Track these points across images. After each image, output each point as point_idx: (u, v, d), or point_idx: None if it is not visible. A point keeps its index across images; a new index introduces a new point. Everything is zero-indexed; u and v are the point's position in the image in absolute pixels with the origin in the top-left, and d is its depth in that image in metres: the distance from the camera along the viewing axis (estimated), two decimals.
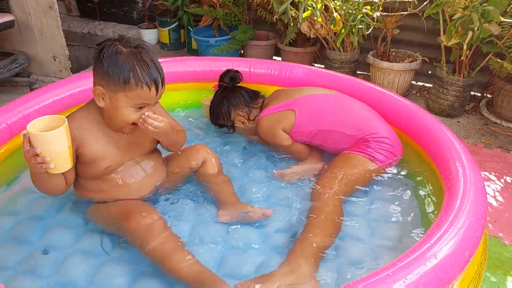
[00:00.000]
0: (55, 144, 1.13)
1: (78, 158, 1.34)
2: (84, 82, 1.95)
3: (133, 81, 1.22)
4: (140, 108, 1.29)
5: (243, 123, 1.92)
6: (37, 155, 1.12)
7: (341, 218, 1.49)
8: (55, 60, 3.22)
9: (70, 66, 3.25)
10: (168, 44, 3.99)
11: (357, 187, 1.64)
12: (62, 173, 1.25)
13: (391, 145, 1.72)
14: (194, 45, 3.78)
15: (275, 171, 1.78)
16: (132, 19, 4.45)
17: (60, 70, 3.25)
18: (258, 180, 1.76)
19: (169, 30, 3.90)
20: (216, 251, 1.39)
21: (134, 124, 1.32)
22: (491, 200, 2.02)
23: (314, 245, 1.36)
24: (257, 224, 1.51)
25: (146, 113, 1.29)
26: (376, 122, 1.77)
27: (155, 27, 4.09)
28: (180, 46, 4.05)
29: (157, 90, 1.27)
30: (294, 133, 1.82)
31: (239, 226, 1.49)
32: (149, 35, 4.11)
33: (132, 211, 1.32)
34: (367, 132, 1.72)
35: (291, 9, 2.83)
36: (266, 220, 1.51)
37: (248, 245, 1.43)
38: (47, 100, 1.84)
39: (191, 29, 3.70)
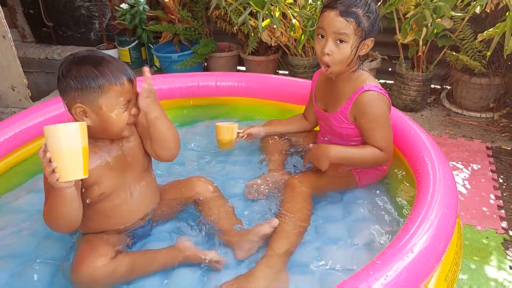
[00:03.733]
0: (68, 140, 1.05)
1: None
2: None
3: (106, 81, 1.20)
4: (125, 105, 1.25)
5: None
6: (46, 152, 1.05)
7: (309, 212, 1.52)
8: (13, 90, 3.12)
9: (30, 94, 3.15)
10: (130, 63, 3.94)
11: (332, 191, 1.67)
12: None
13: (384, 171, 1.73)
14: (157, 62, 3.75)
15: (247, 185, 1.75)
16: (90, 41, 4.37)
17: (20, 100, 3.16)
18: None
19: (129, 49, 3.85)
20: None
21: (129, 124, 1.29)
22: (461, 188, 2.09)
23: (287, 239, 1.41)
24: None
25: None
26: None
27: (114, 47, 4.03)
28: (142, 64, 4.00)
29: (130, 81, 1.25)
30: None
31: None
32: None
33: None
34: None
35: (250, 19, 2.85)
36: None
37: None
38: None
39: (152, 46, 3.67)
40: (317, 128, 1.88)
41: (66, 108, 1.25)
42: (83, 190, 1.29)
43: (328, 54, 1.45)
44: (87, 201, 1.31)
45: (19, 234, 1.54)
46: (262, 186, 1.71)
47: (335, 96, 1.61)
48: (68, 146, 1.05)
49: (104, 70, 1.20)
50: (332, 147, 1.55)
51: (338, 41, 1.44)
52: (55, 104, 1.94)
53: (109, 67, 1.21)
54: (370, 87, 1.50)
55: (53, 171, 1.05)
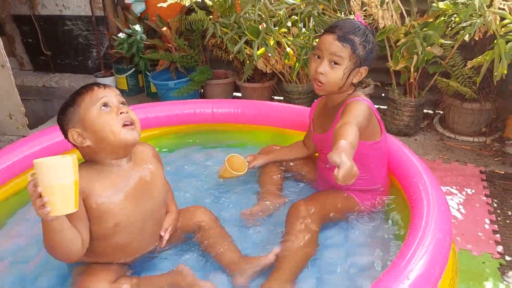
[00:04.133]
0: (58, 175, 1.04)
1: (91, 214, 1.25)
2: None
3: (76, 95, 1.28)
4: (105, 106, 1.27)
5: None
6: (37, 187, 1.04)
7: (316, 245, 1.51)
8: (11, 118, 3.14)
9: (28, 122, 3.18)
10: (127, 90, 3.99)
11: (335, 217, 1.67)
12: (77, 228, 1.19)
13: (382, 193, 1.75)
14: (154, 89, 3.80)
15: (243, 212, 1.74)
16: (87, 69, 4.43)
17: (18, 128, 3.17)
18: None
19: (126, 76, 3.91)
20: None
21: (131, 124, 1.29)
22: (455, 213, 2.10)
23: (291, 269, 1.41)
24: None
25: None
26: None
27: (112, 74, 4.08)
28: (139, 91, 4.05)
29: (103, 86, 1.31)
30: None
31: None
32: (106, 83, 4.09)
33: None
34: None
35: (245, 48, 2.92)
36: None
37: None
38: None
39: (149, 74, 3.72)
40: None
41: (69, 143, 1.31)
42: (94, 222, 1.26)
43: (322, 73, 1.52)
44: (99, 232, 1.28)
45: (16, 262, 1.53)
46: (258, 213, 1.72)
47: (330, 116, 1.66)
48: (61, 182, 1.05)
49: (77, 90, 1.31)
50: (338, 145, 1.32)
51: (333, 63, 1.52)
52: (53, 133, 1.96)
53: (81, 86, 1.32)
54: (359, 98, 1.55)
55: (43, 205, 1.04)
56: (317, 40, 2.75)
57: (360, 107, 1.50)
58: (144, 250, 1.43)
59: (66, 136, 1.30)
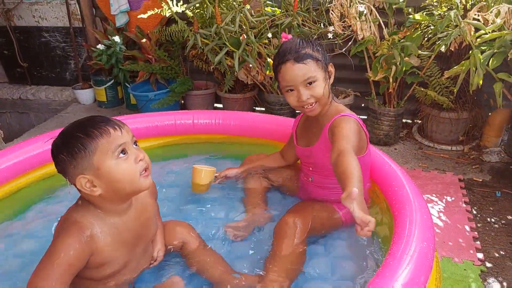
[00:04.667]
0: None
1: (87, 264, 1.17)
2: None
3: (90, 139, 1.10)
4: (123, 153, 1.13)
5: None
6: None
7: (304, 259, 1.50)
8: None
9: (3, 135, 3.09)
10: (106, 102, 3.93)
11: (320, 228, 1.65)
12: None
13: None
14: (133, 101, 3.75)
15: (226, 227, 1.70)
16: (65, 81, 4.36)
17: None
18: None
19: (105, 88, 3.85)
20: None
21: (145, 170, 1.18)
22: (436, 221, 2.12)
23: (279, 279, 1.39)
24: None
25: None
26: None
27: (90, 86, 4.03)
28: (119, 103, 4.00)
29: (119, 127, 1.14)
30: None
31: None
32: (85, 95, 4.03)
33: None
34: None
35: (226, 58, 2.92)
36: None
37: None
38: None
39: (128, 85, 3.68)
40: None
41: (74, 186, 1.16)
42: (90, 270, 1.19)
43: (308, 98, 1.49)
44: (94, 277, 1.21)
45: None
46: (242, 228, 1.69)
47: (315, 129, 1.64)
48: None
49: (87, 129, 1.11)
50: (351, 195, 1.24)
51: (308, 84, 1.49)
52: (30, 145, 1.92)
53: (90, 124, 1.13)
54: (347, 114, 1.54)
55: None
56: None
57: (351, 126, 1.47)
58: (135, 276, 1.37)
59: (69, 180, 1.14)
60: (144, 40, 3.43)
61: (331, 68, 1.56)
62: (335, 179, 1.61)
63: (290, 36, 1.63)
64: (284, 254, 1.45)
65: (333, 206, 1.68)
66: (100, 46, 3.54)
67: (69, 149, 1.10)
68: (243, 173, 1.91)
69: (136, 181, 1.16)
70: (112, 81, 3.82)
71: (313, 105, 1.53)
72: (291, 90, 1.52)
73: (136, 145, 1.20)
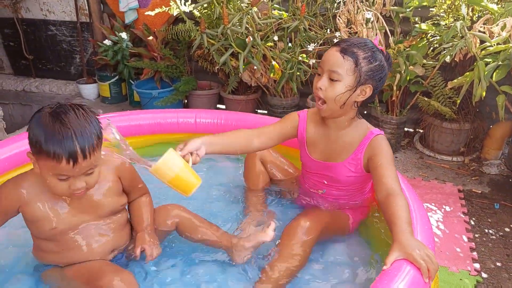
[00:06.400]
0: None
1: (23, 216, 1.29)
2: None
3: (45, 151, 1.09)
4: (65, 179, 1.16)
5: None
6: None
7: (306, 260, 1.50)
8: None
9: (5, 126, 3.10)
10: (109, 98, 3.94)
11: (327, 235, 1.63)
12: None
13: (366, 209, 1.74)
14: (137, 98, 3.76)
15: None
16: (70, 75, 4.37)
17: None
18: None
19: (109, 84, 3.86)
20: None
21: (76, 193, 1.20)
22: (435, 230, 2.12)
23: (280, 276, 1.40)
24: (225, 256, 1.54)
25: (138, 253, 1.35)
26: None
27: (94, 81, 4.04)
28: (122, 99, 4.01)
29: (74, 162, 1.10)
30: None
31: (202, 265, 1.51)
32: (89, 90, 4.05)
33: (102, 270, 1.27)
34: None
35: (231, 60, 2.93)
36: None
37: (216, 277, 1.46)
38: None
39: (133, 82, 3.69)
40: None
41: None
42: (30, 225, 1.31)
43: (320, 88, 1.44)
44: (39, 234, 1.32)
45: None
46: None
47: (341, 145, 1.57)
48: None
49: (52, 138, 1.09)
50: (407, 238, 1.20)
51: (331, 79, 1.43)
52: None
53: (59, 137, 1.09)
54: (378, 131, 1.53)
55: None
56: (303, 55, 2.79)
57: (388, 148, 1.48)
58: (98, 255, 1.37)
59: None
60: (150, 37, 3.45)
61: (368, 90, 1.45)
62: (349, 191, 1.64)
63: (377, 43, 1.50)
64: (289, 254, 1.44)
65: (346, 214, 1.66)
66: (106, 42, 3.55)
67: (31, 135, 1.13)
68: (206, 150, 1.48)
69: (63, 195, 1.25)
70: (117, 77, 3.83)
71: (323, 104, 1.48)
72: (319, 74, 1.48)
73: (90, 173, 1.19)
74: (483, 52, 2.36)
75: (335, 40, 2.74)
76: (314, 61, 2.83)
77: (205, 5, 2.93)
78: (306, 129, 1.67)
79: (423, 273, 1.12)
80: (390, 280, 1.10)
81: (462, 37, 2.37)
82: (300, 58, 2.78)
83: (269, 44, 2.84)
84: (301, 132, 1.67)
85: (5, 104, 4.08)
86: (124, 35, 3.54)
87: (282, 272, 1.41)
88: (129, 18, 3.65)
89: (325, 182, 1.66)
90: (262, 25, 2.81)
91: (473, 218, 2.26)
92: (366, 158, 1.52)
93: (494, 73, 2.29)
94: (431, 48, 2.67)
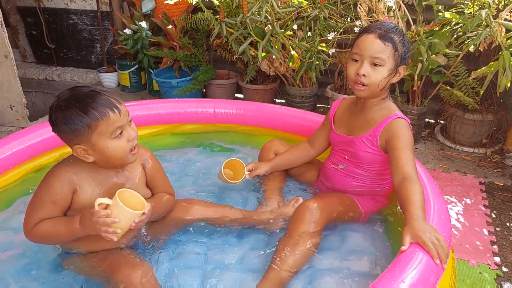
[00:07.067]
0: (132, 219, 1.24)
1: (71, 204, 1.32)
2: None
3: (91, 120, 1.21)
4: (120, 133, 1.27)
5: None
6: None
7: (317, 245, 1.51)
8: (11, 109, 3.13)
9: (28, 114, 3.17)
10: (129, 87, 3.99)
11: (338, 219, 1.65)
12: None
13: (383, 198, 1.75)
14: (156, 87, 3.79)
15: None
16: (90, 63, 4.43)
17: (18, 119, 3.17)
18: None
19: (129, 73, 3.90)
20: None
21: (131, 150, 1.31)
22: (454, 223, 2.10)
23: (286, 268, 1.42)
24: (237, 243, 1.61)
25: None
26: None
27: (114, 70, 4.08)
28: (141, 88, 4.05)
29: (117, 109, 1.25)
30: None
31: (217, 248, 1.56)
32: (109, 79, 4.10)
33: (120, 263, 1.31)
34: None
35: (250, 49, 2.92)
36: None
37: (225, 266, 1.50)
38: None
39: (152, 71, 3.72)
40: (321, 157, 1.91)
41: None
42: (74, 213, 1.32)
43: (364, 75, 1.49)
44: None
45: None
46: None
47: (364, 121, 1.63)
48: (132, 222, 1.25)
49: (88, 108, 1.21)
50: (418, 223, 1.23)
51: (373, 64, 1.49)
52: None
53: (92, 104, 1.22)
54: (401, 115, 1.57)
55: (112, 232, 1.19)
56: (322, 44, 2.76)
57: (408, 134, 1.51)
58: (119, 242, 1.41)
59: (67, 143, 1.28)
60: (169, 26, 3.46)
61: (402, 70, 1.55)
62: (368, 171, 1.66)
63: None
64: (298, 238, 1.46)
65: (352, 198, 1.68)
66: (127, 31, 3.58)
67: (69, 124, 1.21)
68: (271, 169, 1.87)
69: (125, 157, 1.31)
70: (136, 66, 3.87)
71: (364, 86, 1.52)
72: (356, 60, 1.52)
73: (131, 122, 1.32)
74: (508, 41, 2.29)
75: (356, 30, 2.70)
76: (334, 50, 2.79)
77: None
78: (336, 110, 1.79)
79: (432, 255, 1.15)
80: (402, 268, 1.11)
81: (487, 25, 2.30)
82: (319, 48, 2.75)
83: (288, 33, 2.81)
84: (332, 114, 1.79)
85: (28, 92, 4.17)
86: (143, 24, 3.56)
87: (292, 260, 1.42)
88: (147, 7, 3.66)
89: (346, 157, 1.70)
90: (282, 13, 2.78)
91: (494, 211, 2.22)
92: (383, 137, 1.56)
93: None
94: (454, 37, 2.60)
